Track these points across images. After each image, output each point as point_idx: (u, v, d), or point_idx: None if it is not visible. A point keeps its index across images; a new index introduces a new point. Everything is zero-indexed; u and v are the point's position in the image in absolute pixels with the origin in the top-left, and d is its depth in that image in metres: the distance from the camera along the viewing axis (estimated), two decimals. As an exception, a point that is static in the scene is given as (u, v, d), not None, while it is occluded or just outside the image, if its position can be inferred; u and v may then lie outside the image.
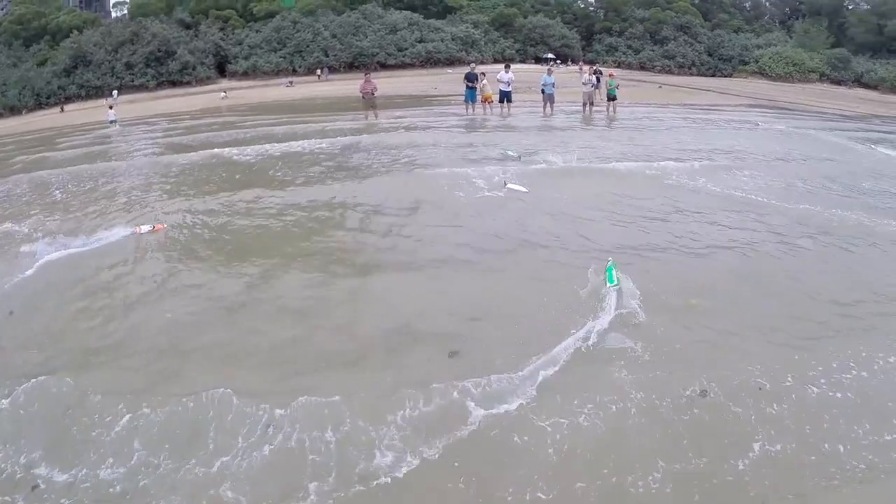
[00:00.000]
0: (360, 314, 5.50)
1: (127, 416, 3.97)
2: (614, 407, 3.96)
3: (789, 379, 4.24)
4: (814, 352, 4.61)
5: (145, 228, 7.97)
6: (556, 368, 4.38)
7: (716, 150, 13.32)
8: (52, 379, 4.45)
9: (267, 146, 14.71)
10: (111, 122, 30.35)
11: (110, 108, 33.10)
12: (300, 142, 15.36)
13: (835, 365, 4.41)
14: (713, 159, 12.17)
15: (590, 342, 4.70)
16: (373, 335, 5.05)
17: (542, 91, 20.96)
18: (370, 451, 3.62)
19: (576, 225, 7.75)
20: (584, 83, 20.81)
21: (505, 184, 9.34)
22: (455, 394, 4.04)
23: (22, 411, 4.16)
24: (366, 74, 20.50)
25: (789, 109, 29.59)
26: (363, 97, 20.30)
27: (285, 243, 7.54)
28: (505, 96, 20.79)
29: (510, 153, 11.01)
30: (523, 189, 9.20)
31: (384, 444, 3.67)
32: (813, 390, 4.14)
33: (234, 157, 13.79)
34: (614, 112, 20.69)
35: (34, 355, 5.02)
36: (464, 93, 21.32)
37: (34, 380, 4.42)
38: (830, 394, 4.10)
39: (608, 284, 5.61)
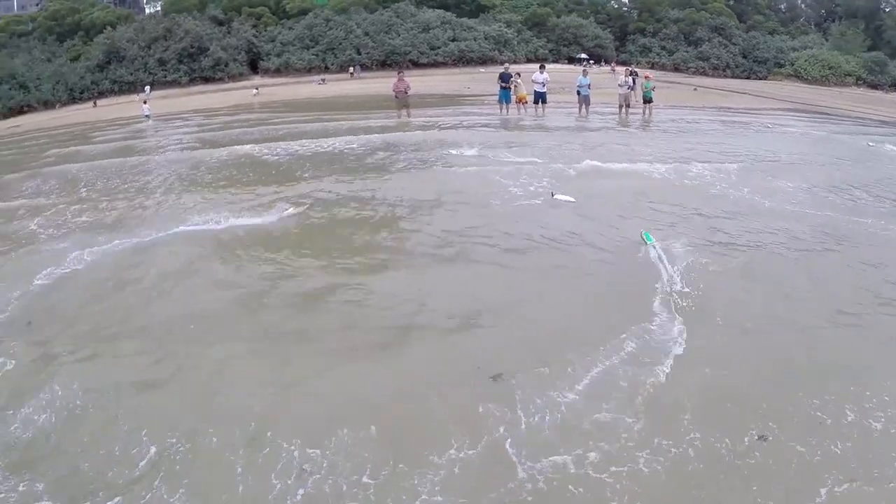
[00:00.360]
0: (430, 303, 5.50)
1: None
2: (674, 451, 3.66)
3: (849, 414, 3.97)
4: (868, 383, 4.32)
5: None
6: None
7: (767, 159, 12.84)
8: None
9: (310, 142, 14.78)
10: (145, 116, 30.85)
11: (144, 103, 33.54)
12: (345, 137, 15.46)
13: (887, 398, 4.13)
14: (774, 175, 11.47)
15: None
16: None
17: (578, 92, 20.67)
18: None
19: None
20: (619, 85, 20.45)
21: (553, 195, 9.02)
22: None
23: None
24: (398, 73, 20.41)
25: (827, 114, 28.86)
26: (396, 96, 20.17)
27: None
28: (540, 97, 20.53)
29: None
30: (571, 199, 8.91)
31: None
32: (875, 426, 3.87)
33: (264, 157, 13.84)
34: (650, 115, 20.32)
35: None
36: (497, 93, 21.10)
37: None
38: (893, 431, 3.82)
39: (647, 242, 6.77)
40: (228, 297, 6.07)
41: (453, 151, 13.04)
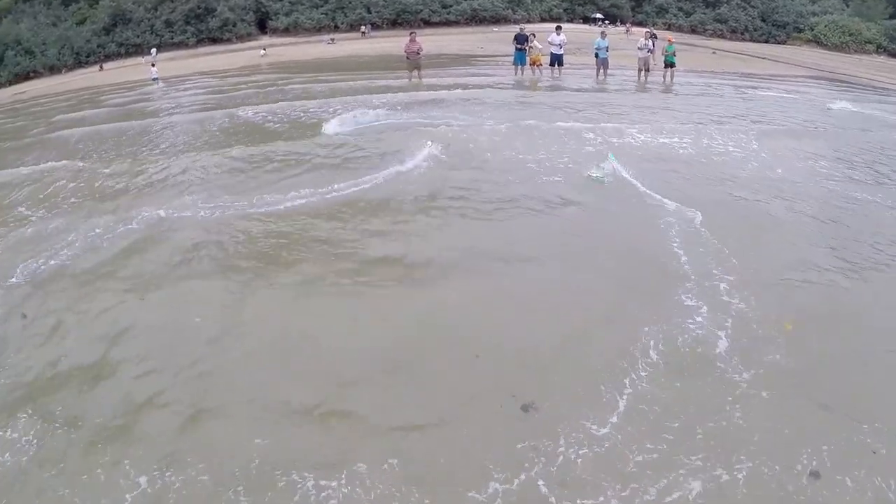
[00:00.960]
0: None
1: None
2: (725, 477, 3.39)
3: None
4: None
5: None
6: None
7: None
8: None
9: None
10: (154, 79, 30.66)
11: (152, 65, 33.16)
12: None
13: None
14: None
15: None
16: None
17: (596, 55, 20.04)
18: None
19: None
20: (639, 48, 19.74)
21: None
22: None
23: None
24: (410, 34, 19.72)
25: (848, 83, 27.99)
26: (407, 57, 19.59)
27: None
28: (556, 59, 20.02)
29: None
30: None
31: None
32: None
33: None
34: (671, 80, 19.65)
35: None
36: (513, 55, 20.49)
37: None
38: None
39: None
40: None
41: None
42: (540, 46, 20.24)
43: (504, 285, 5.50)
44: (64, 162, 10.65)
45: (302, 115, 13.95)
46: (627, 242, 6.36)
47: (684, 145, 10.16)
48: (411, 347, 4.59)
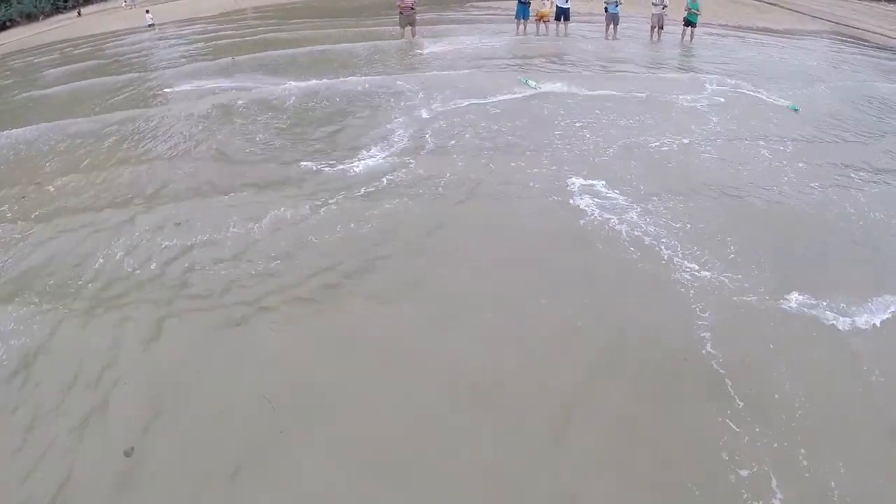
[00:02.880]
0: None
1: None
2: None
3: None
4: None
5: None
6: None
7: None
8: None
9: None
10: (149, 25, 30.07)
11: (147, 12, 31.93)
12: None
13: None
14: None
15: None
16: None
17: (606, 9, 18.25)
18: None
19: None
20: (653, 3, 17.86)
21: None
22: None
23: None
24: None
25: (866, 41, 26.13)
26: (400, 12, 17.53)
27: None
28: (562, 13, 18.22)
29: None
30: None
31: None
32: None
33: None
34: (691, 40, 17.82)
35: None
36: (515, 9, 18.60)
37: None
38: None
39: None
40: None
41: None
42: (548, 1, 18.30)
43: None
44: None
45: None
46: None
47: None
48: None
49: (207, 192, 7.37)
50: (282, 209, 6.67)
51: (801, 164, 8.09)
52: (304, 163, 8.06)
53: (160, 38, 25.19)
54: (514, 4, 18.65)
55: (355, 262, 5.72)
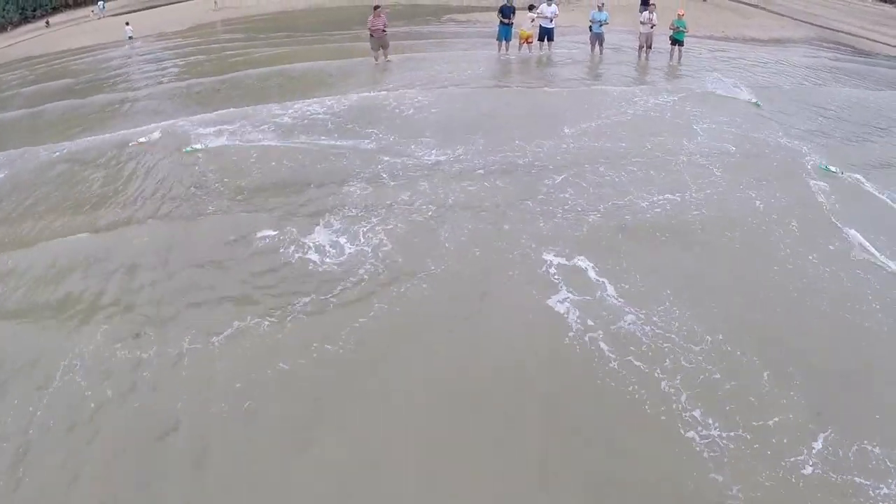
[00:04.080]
0: None
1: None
2: None
3: None
4: None
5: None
6: None
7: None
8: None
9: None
10: (129, 38, 28.74)
11: (126, 24, 30.53)
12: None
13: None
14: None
15: None
16: None
17: (590, 28, 17.35)
18: None
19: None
20: (642, 22, 16.97)
21: None
22: None
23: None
24: (375, 8, 16.29)
25: (852, 46, 25.53)
26: (371, 34, 16.41)
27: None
28: (546, 34, 17.22)
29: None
30: None
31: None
32: None
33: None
34: (679, 60, 16.97)
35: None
36: (497, 29, 17.52)
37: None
38: None
39: None
40: None
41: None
42: (532, 21, 17.20)
43: None
44: None
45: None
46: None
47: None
48: None
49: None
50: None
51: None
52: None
53: (143, 56, 23.64)
54: (492, 16, 17.59)
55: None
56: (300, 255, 6.80)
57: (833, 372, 5.15)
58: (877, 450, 4.32)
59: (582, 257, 6.47)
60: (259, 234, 7.22)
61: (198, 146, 9.87)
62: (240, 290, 6.26)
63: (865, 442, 4.38)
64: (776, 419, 4.58)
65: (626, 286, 6.04)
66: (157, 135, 10.57)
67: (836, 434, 4.46)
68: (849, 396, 4.91)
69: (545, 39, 17.33)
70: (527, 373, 5.07)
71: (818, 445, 4.37)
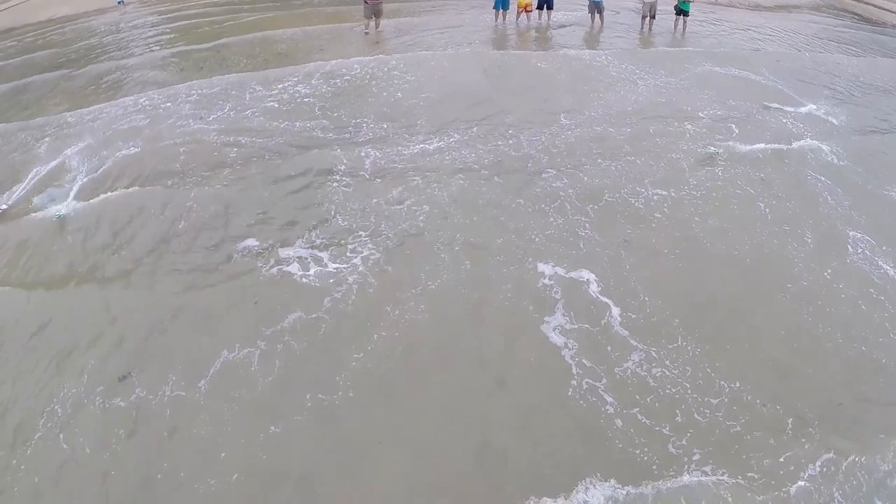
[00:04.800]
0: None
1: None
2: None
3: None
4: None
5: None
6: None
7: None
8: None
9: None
10: (119, 3, 26.85)
11: None
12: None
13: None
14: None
15: None
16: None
17: (588, -3, 16.63)
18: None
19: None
20: (644, -11, 16.24)
21: None
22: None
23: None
24: None
25: (862, 16, 24.64)
26: (365, 2, 15.65)
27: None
28: (545, 2, 16.50)
29: None
30: None
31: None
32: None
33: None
34: (684, 31, 16.24)
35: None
36: (493, -2, 16.77)
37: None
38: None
39: None
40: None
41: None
42: None
43: None
44: None
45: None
46: None
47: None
48: None
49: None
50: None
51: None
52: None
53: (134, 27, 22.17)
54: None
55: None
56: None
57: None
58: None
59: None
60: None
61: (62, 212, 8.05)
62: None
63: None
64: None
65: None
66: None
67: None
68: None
69: (544, 8, 16.61)
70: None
71: None
